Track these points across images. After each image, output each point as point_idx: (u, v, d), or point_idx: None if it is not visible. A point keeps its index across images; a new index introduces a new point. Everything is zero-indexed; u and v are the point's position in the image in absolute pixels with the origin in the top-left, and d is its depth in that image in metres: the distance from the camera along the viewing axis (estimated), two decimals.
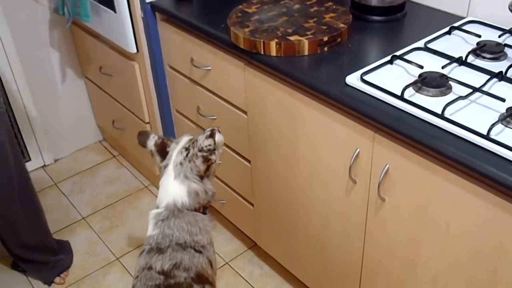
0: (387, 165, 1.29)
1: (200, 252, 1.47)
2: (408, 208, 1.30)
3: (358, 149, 1.35)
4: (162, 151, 1.54)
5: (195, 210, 1.50)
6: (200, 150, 1.47)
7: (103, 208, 2.45)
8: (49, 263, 2.09)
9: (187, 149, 1.50)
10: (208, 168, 1.50)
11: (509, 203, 1.07)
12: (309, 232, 1.71)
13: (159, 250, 1.44)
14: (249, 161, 1.84)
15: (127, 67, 2.14)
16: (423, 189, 1.24)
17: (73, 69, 2.61)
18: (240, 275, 2.10)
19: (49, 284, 2.10)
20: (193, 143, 1.50)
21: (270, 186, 1.79)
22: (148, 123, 2.25)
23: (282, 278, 2.07)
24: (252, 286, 2.05)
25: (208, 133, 1.48)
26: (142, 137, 1.57)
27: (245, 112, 1.72)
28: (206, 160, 1.48)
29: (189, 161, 1.48)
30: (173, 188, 1.48)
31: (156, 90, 2.12)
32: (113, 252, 2.23)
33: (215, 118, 1.88)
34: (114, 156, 2.78)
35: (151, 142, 1.55)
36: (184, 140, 1.54)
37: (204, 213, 1.54)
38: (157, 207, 1.51)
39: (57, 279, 2.10)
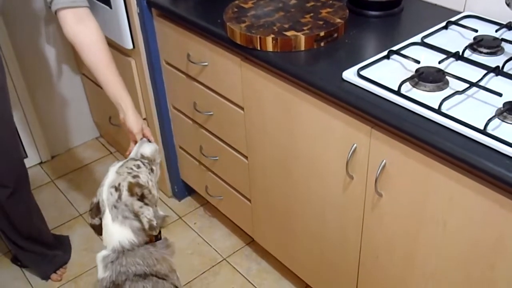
0: (384, 161, 1.29)
1: (163, 279, 1.35)
2: (405, 204, 1.30)
3: (355, 145, 1.35)
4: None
5: (147, 242, 1.37)
6: (141, 197, 1.35)
7: None
8: (46, 256, 2.08)
9: (116, 189, 1.34)
10: (143, 196, 1.36)
11: (506, 198, 1.06)
12: (307, 227, 1.71)
13: (116, 286, 1.31)
14: (246, 157, 1.83)
15: (123, 63, 2.13)
16: (420, 184, 1.23)
17: (69, 66, 2.60)
18: (237, 271, 2.10)
19: (46, 279, 2.10)
20: (129, 182, 1.35)
21: (267, 182, 1.78)
22: (144, 119, 2.24)
23: (280, 273, 2.07)
24: (250, 282, 2.05)
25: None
26: (96, 230, 1.42)
27: (242, 108, 1.71)
28: (141, 198, 1.35)
29: (125, 205, 1.33)
30: (115, 231, 1.33)
31: (152, 86, 2.11)
32: None
33: (211, 114, 1.87)
34: (111, 153, 2.78)
35: (95, 219, 1.40)
36: (109, 177, 1.38)
37: (158, 239, 1.40)
38: (105, 249, 1.38)
39: (54, 276, 2.10)
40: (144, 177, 1.38)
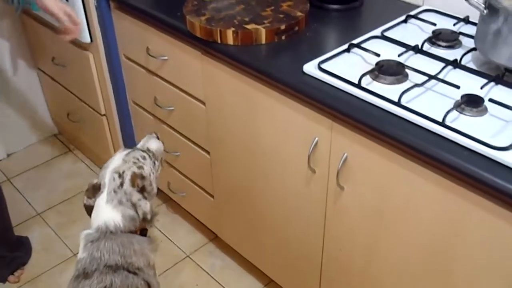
0: (346, 154, 1.29)
1: (134, 273, 1.35)
2: (367, 196, 1.30)
3: (316, 138, 1.35)
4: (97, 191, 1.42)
5: (131, 232, 1.39)
6: (141, 190, 1.39)
7: (59, 204, 2.38)
8: (4, 259, 2.01)
9: (120, 175, 1.38)
10: (143, 189, 1.40)
11: (466, 190, 1.08)
12: (270, 222, 1.70)
13: (85, 275, 1.33)
14: (208, 152, 1.81)
15: (81, 58, 2.08)
16: (381, 177, 1.24)
17: (24, 60, 2.51)
18: (201, 267, 2.08)
19: (4, 282, 2.03)
20: (133, 173, 1.40)
21: (229, 177, 1.77)
22: (104, 115, 2.20)
23: (244, 269, 2.06)
24: (214, 279, 2.03)
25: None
26: (88, 211, 1.43)
27: (203, 103, 1.69)
28: (141, 191, 1.39)
29: (125, 193, 1.37)
30: (104, 212, 1.36)
31: (111, 81, 2.07)
32: (70, 248, 2.17)
33: (172, 109, 1.84)
34: (70, 150, 2.71)
35: (91, 199, 1.42)
36: (116, 160, 1.43)
37: (143, 235, 1.43)
38: (90, 229, 1.40)
39: (11, 278, 2.03)
40: (147, 168, 1.43)
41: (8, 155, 2.67)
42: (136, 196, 1.38)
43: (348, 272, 1.49)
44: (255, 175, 1.64)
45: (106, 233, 1.36)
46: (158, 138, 1.53)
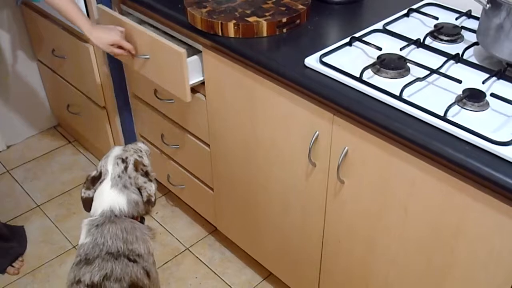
0: (346, 148, 1.29)
1: (134, 261, 1.39)
2: (367, 190, 1.30)
3: (317, 132, 1.35)
4: (95, 182, 1.47)
5: (133, 218, 1.44)
6: (146, 173, 1.47)
7: (58, 196, 2.38)
8: (1, 249, 2.01)
9: (123, 160, 1.44)
10: (147, 173, 1.47)
11: (465, 184, 1.08)
12: (270, 215, 1.70)
13: (87, 261, 1.36)
14: (208, 145, 1.81)
15: (81, 49, 2.07)
16: (382, 171, 1.24)
17: (24, 52, 2.50)
18: (200, 260, 2.08)
19: (2, 273, 2.03)
20: (135, 159, 1.47)
21: (229, 170, 1.77)
22: (104, 107, 2.19)
23: (243, 262, 2.06)
24: (213, 271, 2.04)
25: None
26: (86, 204, 1.48)
27: (204, 95, 1.69)
28: (145, 174, 1.47)
29: (129, 177, 1.43)
30: (110, 196, 1.41)
31: (111, 73, 2.06)
32: (69, 240, 2.17)
33: (173, 102, 1.84)
34: (70, 142, 2.70)
35: (90, 190, 1.47)
36: (115, 151, 1.48)
37: (141, 222, 1.48)
38: (92, 216, 1.44)
39: (10, 269, 2.04)
40: (146, 160, 1.50)
41: (8, 147, 2.66)
42: (141, 179, 1.44)
43: (348, 265, 1.49)
44: (255, 168, 1.64)
45: (110, 217, 1.39)
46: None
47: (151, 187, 1.45)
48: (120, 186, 1.41)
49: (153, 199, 1.45)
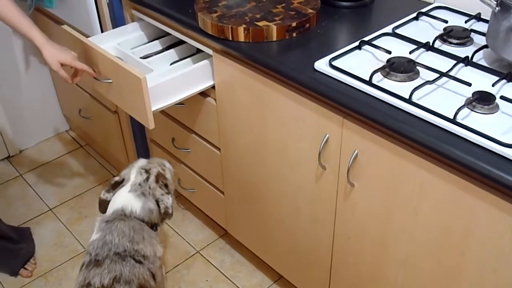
0: (356, 151, 1.29)
1: (140, 262, 1.42)
2: (377, 193, 1.30)
3: (327, 135, 1.35)
4: (115, 187, 1.56)
5: (143, 222, 1.48)
6: (165, 185, 1.55)
7: (70, 199, 2.41)
8: (11, 251, 2.03)
9: (147, 171, 1.52)
10: (166, 186, 1.55)
11: (475, 186, 1.08)
12: (280, 219, 1.71)
13: (96, 263, 1.39)
14: (218, 149, 1.82)
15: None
16: (391, 173, 1.24)
17: (37, 57, 2.54)
18: (211, 263, 2.09)
19: (15, 276, 2.06)
20: (157, 173, 1.55)
21: (240, 174, 1.78)
22: (115, 112, 2.21)
23: (254, 265, 2.07)
24: (224, 275, 2.04)
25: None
26: (102, 206, 1.54)
27: (214, 99, 1.70)
28: (165, 187, 1.55)
29: (149, 187, 1.50)
30: (126, 198, 1.48)
31: None
32: (81, 243, 2.19)
33: (183, 106, 1.85)
34: (82, 146, 2.73)
35: (109, 193, 1.54)
36: (141, 162, 1.57)
37: (153, 229, 1.52)
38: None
39: (23, 272, 2.06)
40: (168, 175, 1.58)
41: (21, 151, 2.69)
42: (159, 191, 1.50)
43: (358, 269, 1.50)
44: (265, 171, 1.65)
45: (121, 215, 1.45)
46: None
47: (168, 200, 1.51)
48: (138, 193, 1.47)
49: (170, 211, 1.51)
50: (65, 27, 1.71)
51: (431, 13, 1.54)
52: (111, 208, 1.47)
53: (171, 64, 1.76)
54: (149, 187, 1.49)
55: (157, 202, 1.50)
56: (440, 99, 1.19)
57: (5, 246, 2.02)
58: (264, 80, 1.46)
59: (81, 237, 2.22)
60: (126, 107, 1.58)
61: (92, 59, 1.61)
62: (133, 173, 1.52)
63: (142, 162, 1.56)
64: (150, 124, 1.50)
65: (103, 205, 1.52)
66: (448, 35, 1.42)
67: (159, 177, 1.52)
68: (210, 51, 1.60)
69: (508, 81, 1.24)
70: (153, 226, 1.52)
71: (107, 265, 1.37)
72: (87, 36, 1.74)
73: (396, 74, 1.26)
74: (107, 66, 1.55)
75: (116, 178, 1.54)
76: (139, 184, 1.49)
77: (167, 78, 1.56)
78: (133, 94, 1.49)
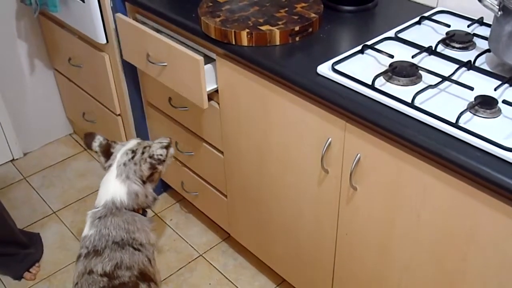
0: (359, 154, 1.30)
1: (138, 250, 1.48)
2: (380, 197, 1.31)
3: (330, 139, 1.36)
4: (107, 152, 1.59)
5: (134, 210, 1.53)
6: (150, 157, 1.53)
7: (74, 202, 2.42)
8: (18, 256, 2.04)
9: (133, 151, 1.54)
10: (151, 175, 1.55)
11: (477, 190, 1.08)
12: (283, 222, 1.71)
13: (96, 252, 1.43)
14: (221, 152, 1.83)
15: (96, 58, 2.10)
16: (394, 177, 1.25)
17: (41, 61, 2.55)
18: (214, 267, 2.09)
19: (19, 279, 2.06)
20: (144, 147, 1.56)
21: (243, 177, 1.78)
22: (119, 115, 2.22)
23: (257, 269, 2.07)
24: (227, 278, 2.05)
25: (164, 143, 1.57)
26: (88, 138, 1.61)
27: (217, 103, 1.71)
28: (153, 167, 1.54)
29: (135, 164, 1.52)
30: (113, 187, 1.51)
31: (126, 81, 2.09)
32: None
33: (187, 109, 1.86)
34: (85, 149, 2.74)
35: (96, 143, 1.60)
36: (131, 143, 1.59)
37: (143, 214, 1.57)
38: (96, 207, 1.54)
39: (27, 275, 2.06)
40: (159, 151, 1.57)
41: (25, 154, 2.71)
42: (146, 172, 1.52)
43: (361, 272, 1.50)
44: (268, 175, 1.65)
45: (112, 209, 1.49)
46: (170, 145, 1.64)
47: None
48: (123, 177, 1.50)
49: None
50: (119, 15, 1.80)
51: (434, 17, 1.55)
52: (102, 199, 1.51)
53: None
54: (135, 164, 1.52)
55: (142, 181, 1.52)
56: (442, 103, 1.20)
57: (15, 251, 2.03)
58: (267, 84, 1.46)
59: None
60: (180, 88, 1.69)
61: (148, 44, 1.71)
62: (119, 154, 1.55)
63: (131, 143, 1.59)
64: (204, 103, 1.62)
65: (89, 140, 1.61)
66: (450, 39, 1.42)
67: (145, 149, 1.55)
68: (213, 55, 1.61)
69: (511, 85, 1.25)
70: (144, 212, 1.57)
71: (107, 254, 1.43)
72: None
73: (398, 78, 1.27)
74: (163, 50, 1.66)
75: (113, 144, 1.60)
76: (124, 164, 1.52)
77: None
78: (188, 76, 1.60)
